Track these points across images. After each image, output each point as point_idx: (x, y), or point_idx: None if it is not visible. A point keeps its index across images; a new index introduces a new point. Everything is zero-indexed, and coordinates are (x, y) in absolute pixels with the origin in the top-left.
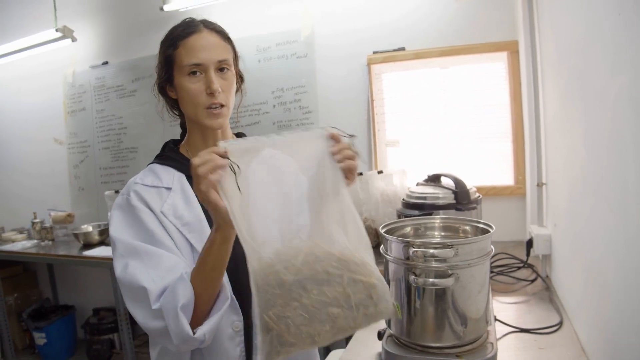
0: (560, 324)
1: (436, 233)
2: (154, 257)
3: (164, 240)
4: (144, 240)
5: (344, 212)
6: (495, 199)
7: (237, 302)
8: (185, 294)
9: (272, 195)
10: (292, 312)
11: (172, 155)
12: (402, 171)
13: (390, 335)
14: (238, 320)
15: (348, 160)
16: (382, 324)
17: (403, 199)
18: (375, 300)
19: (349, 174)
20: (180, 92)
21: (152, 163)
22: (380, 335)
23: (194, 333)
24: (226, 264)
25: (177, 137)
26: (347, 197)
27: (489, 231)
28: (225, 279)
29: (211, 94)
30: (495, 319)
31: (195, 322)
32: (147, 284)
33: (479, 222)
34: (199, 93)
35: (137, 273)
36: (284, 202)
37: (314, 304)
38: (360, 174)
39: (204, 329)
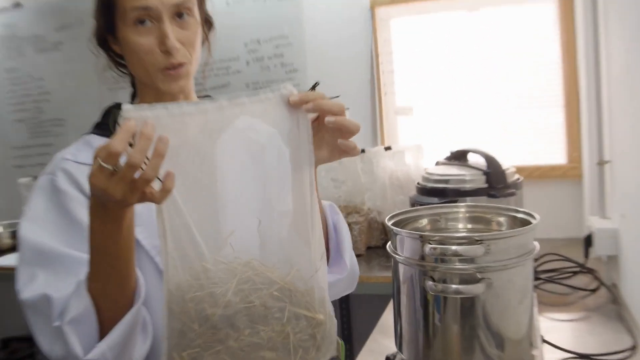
0: (634, 348)
1: (461, 225)
2: (74, 266)
3: None
4: (67, 240)
5: (313, 206)
6: (541, 183)
7: None
8: (77, 304)
9: (249, 179)
10: (214, 357)
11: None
12: (416, 147)
13: None
14: None
15: (331, 117)
16: (392, 345)
17: (418, 183)
18: (318, 341)
19: (340, 138)
20: (125, 48)
21: (89, 133)
22: None
23: (86, 353)
24: (132, 251)
25: (118, 97)
26: (312, 184)
27: (531, 222)
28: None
29: (166, 51)
30: (543, 341)
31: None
32: (54, 293)
33: (518, 211)
34: (149, 50)
35: (47, 288)
36: (264, 185)
37: (242, 347)
38: (362, 151)
39: (102, 347)
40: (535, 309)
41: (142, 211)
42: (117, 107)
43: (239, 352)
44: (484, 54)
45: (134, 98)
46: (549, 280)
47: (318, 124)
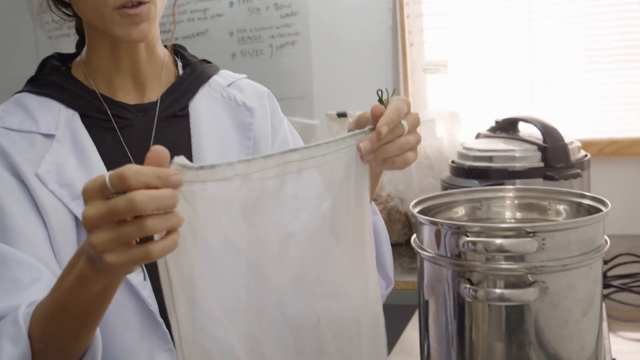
0: None
1: (508, 213)
2: None
3: (24, 229)
4: None
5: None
6: (615, 162)
7: (167, 333)
8: (10, 351)
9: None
10: None
11: (57, 79)
12: (451, 115)
13: None
14: None
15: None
16: None
17: (453, 162)
18: None
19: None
20: None
21: (21, 91)
22: None
23: None
24: (104, 311)
25: (60, 48)
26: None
27: (601, 211)
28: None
29: None
30: None
31: None
32: None
33: (584, 197)
34: None
35: None
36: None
37: None
38: None
39: None
40: (605, 324)
41: None
42: (57, 58)
43: None
44: None
45: (80, 48)
46: (624, 289)
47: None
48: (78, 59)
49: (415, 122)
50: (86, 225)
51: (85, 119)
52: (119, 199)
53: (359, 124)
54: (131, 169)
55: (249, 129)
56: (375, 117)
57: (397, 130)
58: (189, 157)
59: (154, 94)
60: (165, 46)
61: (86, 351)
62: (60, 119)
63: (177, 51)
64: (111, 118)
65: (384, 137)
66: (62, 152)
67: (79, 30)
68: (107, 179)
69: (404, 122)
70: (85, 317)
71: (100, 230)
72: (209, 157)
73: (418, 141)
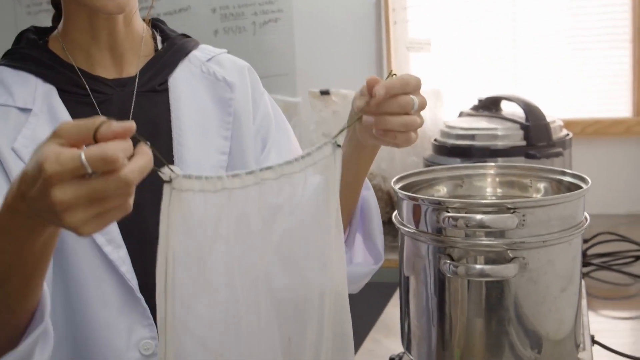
0: None
1: (489, 190)
2: None
3: None
4: None
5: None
6: (597, 142)
7: (147, 308)
8: None
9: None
10: None
11: (34, 53)
12: (434, 93)
13: None
14: (150, 338)
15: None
16: (396, 346)
17: (435, 140)
18: None
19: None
20: None
21: None
22: None
23: None
24: (48, 263)
25: (40, 23)
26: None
27: (581, 187)
28: (46, 289)
29: None
30: (594, 342)
31: None
32: None
33: (565, 174)
34: None
35: None
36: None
37: None
38: None
39: None
40: (584, 301)
41: None
42: (33, 32)
43: None
44: None
45: (57, 22)
46: (604, 267)
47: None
48: (55, 32)
49: (423, 104)
50: (59, 207)
51: (63, 94)
52: (109, 182)
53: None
54: (112, 149)
55: (229, 104)
56: (369, 87)
57: (404, 103)
58: (169, 133)
59: (132, 68)
60: (144, 20)
61: (36, 308)
62: (37, 93)
63: (156, 25)
64: (89, 92)
65: (387, 105)
66: (39, 127)
67: (56, 4)
68: (85, 162)
69: (414, 97)
70: (30, 274)
71: (77, 210)
72: (189, 132)
73: (421, 124)
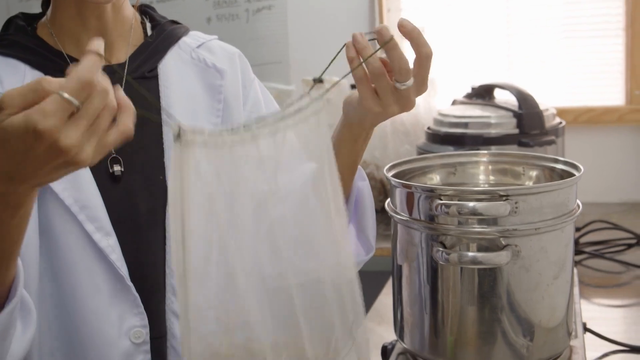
0: None
1: (482, 178)
2: None
3: None
4: None
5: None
6: (590, 130)
7: (138, 297)
8: None
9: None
10: None
11: (22, 39)
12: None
13: (404, 353)
14: (141, 327)
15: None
16: (388, 334)
17: (429, 128)
18: None
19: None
20: None
21: None
22: (386, 353)
23: None
24: (23, 235)
25: (32, 11)
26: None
27: (573, 175)
28: (19, 265)
29: None
30: (586, 329)
31: None
32: None
33: (557, 161)
34: None
35: None
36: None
37: None
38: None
39: None
40: (576, 289)
41: None
42: (21, 18)
43: None
44: None
45: (45, 8)
46: (596, 255)
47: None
48: (44, 19)
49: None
50: (73, 151)
51: None
52: (94, 101)
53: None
54: (82, 73)
55: (219, 91)
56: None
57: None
58: (159, 120)
59: (122, 54)
60: (133, 6)
61: (12, 283)
62: (25, 79)
63: (146, 12)
64: None
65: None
66: None
67: None
68: (69, 97)
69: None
70: (9, 252)
71: (85, 144)
72: (179, 119)
73: (422, 91)
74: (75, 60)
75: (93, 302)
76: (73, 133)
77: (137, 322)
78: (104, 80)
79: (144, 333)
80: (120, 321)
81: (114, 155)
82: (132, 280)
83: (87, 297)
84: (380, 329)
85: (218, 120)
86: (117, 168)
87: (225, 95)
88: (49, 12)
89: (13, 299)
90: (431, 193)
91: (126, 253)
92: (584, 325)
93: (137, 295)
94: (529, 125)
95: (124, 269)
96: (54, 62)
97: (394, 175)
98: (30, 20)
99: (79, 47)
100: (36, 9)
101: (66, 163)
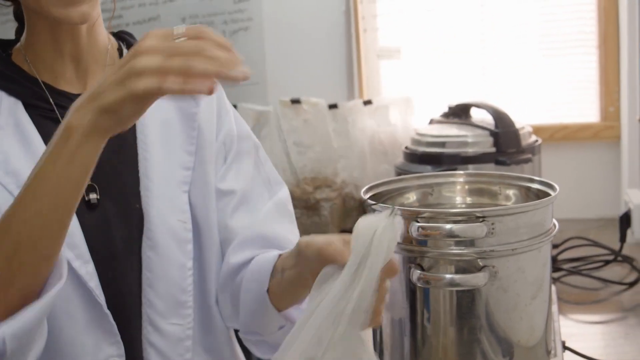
0: None
1: (459, 199)
2: None
3: None
4: None
5: None
6: (565, 147)
7: (115, 325)
8: None
9: None
10: None
11: None
12: (405, 100)
13: None
14: (117, 356)
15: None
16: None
17: (406, 148)
18: None
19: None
20: None
21: None
22: None
23: None
24: (75, 203)
25: (7, 36)
26: None
27: (549, 195)
28: (63, 253)
29: None
30: (565, 348)
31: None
32: None
33: (533, 181)
34: None
35: None
36: None
37: None
38: (334, 106)
39: (3, 331)
40: (555, 307)
41: None
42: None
43: None
44: None
45: (20, 34)
46: (574, 272)
47: None
48: (18, 45)
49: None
50: (139, 48)
51: (28, 107)
52: (189, 43)
53: None
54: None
55: (194, 118)
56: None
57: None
58: (134, 147)
59: (97, 80)
60: (112, 33)
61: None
62: (2, 107)
63: (123, 38)
64: (54, 108)
65: None
66: (6, 140)
67: (18, 16)
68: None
69: None
70: (75, 192)
71: (153, 55)
72: (154, 147)
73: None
74: (50, 87)
75: (69, 330)
76: (153, 40)
77: (113, 352)
78: (213, 42)
79: None
80: (96, 350)
81: (90, 183)
82: (109, 308)
83: (63, 325)
84: None
85: (192, 149)
86: (93, 196)
87: (200, 123)
88: (23, 38)
89: (58, 282)
90: (408, 215)
91: (102, 281)
92: (563, 343)
93: (114, 323)
94: (506, 143)
95: (101, 297)
96: (30, 89)
97: (372, 197)
98: (5, 46)
99: (54, 74)
100: (11, 33)
101: (128, 69)
